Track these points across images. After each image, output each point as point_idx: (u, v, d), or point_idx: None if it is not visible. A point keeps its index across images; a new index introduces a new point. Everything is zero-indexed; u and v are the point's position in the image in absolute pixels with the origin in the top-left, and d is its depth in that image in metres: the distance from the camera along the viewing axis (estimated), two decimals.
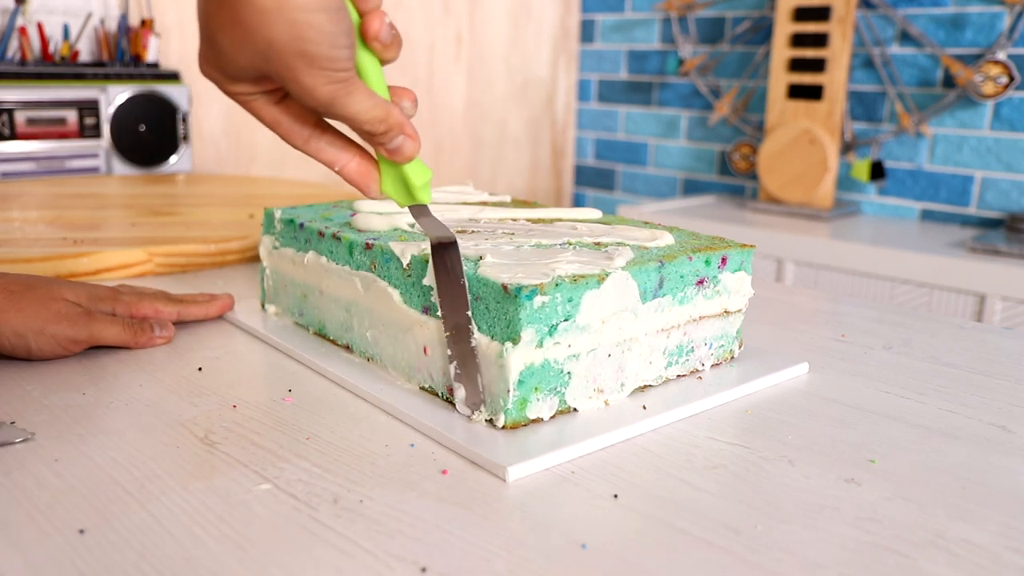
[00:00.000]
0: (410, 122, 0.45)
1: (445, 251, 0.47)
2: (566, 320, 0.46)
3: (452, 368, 0.48)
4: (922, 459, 0.45)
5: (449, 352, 0.48)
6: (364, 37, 0.43)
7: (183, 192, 1.26)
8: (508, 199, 0.73)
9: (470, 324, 0.47)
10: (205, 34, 0.41)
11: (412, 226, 0.59)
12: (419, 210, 0.47)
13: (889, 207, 1.94)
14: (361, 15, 0.42)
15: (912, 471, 0.44)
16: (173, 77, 1.50)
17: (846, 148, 1.95)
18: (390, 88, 0.45)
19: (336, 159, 0.46)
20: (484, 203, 0.70)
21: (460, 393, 0.48)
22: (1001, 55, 1.71)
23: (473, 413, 0.47)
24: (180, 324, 0.64)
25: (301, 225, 0.62)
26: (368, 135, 0.44)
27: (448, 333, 0.48)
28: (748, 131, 2.12)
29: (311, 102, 0.42)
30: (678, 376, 0.55)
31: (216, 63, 0.42)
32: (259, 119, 0.45)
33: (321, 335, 0.62)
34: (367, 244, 0.55)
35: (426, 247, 0.52)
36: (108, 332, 0.58)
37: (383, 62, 0.44)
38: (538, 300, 0.44)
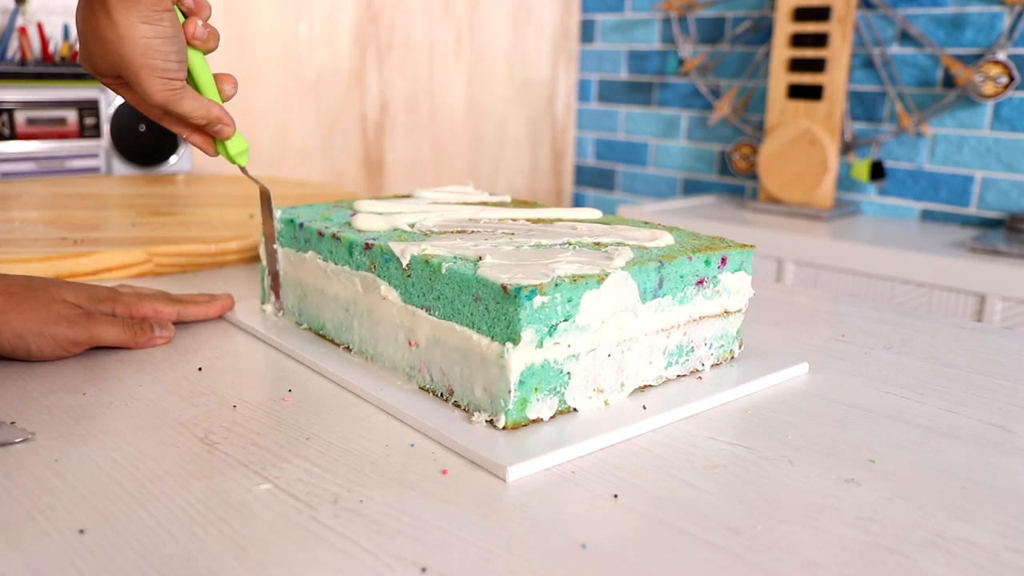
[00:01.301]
0: (226, 112, 0.60)
1: (264, 200, 0.65)
2: (566, 320, 0.46)
3: (268, 279, 0.67)
4: (922, 459, 0.45)
5: (266, 267, 0.67)
6: (187, 38, 0.56)
7: (183, 192, 1.26)
8: (508, 199, 0.73)
9: (276, 253, 0.66)
10: (81, 41, 0.55)
11: (412, 226, 0.59)
12: (242, 170, 0.64)
13: (889, 207, 1.94)
14: (186, 18, 0.57)
15: (912, 471, 0.44)
16: None
17: (846, 148, 1.95)
18: (216, 76, 0.60)
19: (183, 131, 0.61)
20: (484, 203, 0.70)
21: (272, 298, 0.67)
22: (1001, 55, 1.71)
23: (278, 314, 0.66)
24: (180, 324, 0.64)
25: (301, 225, 0.62)
26: (196, 124, 0.60)
27: (267, 255, 0.67)
28: (748, 131, 2.13)
29: (152, 102, 0.56)
30: (678, 376, 0.55)
31: (89, 61, 0.56)
32: (125, 99, 0.60)
33: (321, 335, 0.62)
34: (367, 244, 0.55)
35: (426, 247, 0.52)
36: (108, 333, 0.58)
37: (207, 52, 0.59)
38: (538, 300, 0.44)
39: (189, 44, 0.57)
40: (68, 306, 0.57)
